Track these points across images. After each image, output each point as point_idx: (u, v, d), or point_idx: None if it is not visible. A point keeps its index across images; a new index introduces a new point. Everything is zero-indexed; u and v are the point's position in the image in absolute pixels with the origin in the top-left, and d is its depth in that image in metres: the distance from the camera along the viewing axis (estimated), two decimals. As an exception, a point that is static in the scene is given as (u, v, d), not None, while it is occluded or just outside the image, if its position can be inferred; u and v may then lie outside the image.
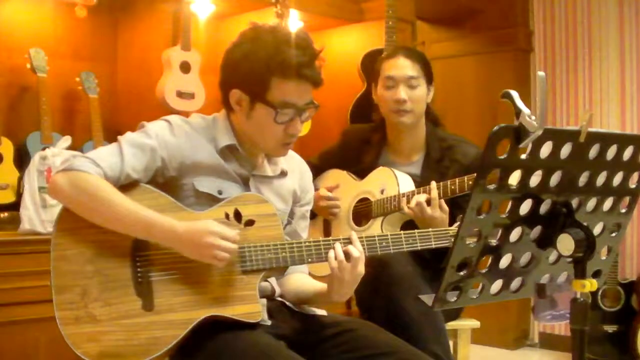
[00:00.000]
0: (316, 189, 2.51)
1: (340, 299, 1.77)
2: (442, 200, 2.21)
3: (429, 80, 2.46)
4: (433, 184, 2.24)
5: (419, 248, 1.80)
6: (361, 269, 1.70)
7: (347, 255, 1.68)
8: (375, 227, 2.40)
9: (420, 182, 2.39)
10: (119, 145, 1.69)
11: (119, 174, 1.65)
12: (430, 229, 1.82)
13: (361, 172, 2.52)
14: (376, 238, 1.76)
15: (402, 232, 1.80)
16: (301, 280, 1.92)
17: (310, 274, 1.99)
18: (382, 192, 2.41)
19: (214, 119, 1.83)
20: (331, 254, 1.70)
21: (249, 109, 1.74)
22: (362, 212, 2.49)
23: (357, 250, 1.70)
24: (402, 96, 2.39)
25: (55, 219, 1.66)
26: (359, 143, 2.57)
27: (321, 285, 1.86)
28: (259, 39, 1.72)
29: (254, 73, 1.70)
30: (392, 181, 2.38)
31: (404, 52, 2.48)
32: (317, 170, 2.62)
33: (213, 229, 1.60)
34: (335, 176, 2.60)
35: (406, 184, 2.38)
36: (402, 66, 2.42)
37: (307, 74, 1.70)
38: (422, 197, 2.23)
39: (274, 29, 1.76)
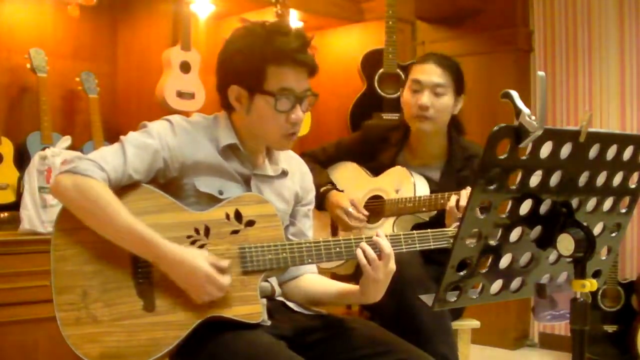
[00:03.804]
0: (330, 181, 2.50)
1: (373, 300, 1.75)
2: None
3: (459, 91, 2.42)
4: (469, 189, 2.19)
5: (418, 249, 1.80)
6: (393, 265, 1.70)
7: (378, 252, 1.68)
8: (386, 227, 2.39)
9: (437, 188, 2.37)
10: (122, 145, 1.68)
11: (122, 175, 1.64)
12: (429, 230, 1.81)
13: (376, 169, 2.50)
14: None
15: (401, 233, 1.79)
16: (313, 281, 1.91)
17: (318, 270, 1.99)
18: (397, 192, 2.39)
19: (215, 118, 1.82)
20: (360, 253, 1.69)
21: (248, 103, 1.74)
22: (374, 209, 2.47)
23: (388, 247, 1.70)
24: (425, 102, 2.36)
25: (55, 219, 1.65)
26: (378, 140, 2.54)
27: (344, 286, 1.86)
28: (249, 34, 1.74)
29: (249, 65, 1.70)
30: (408, 183, 2.36)
31: (437, 58, 2.42)
32: (331, 159, 2.61)
33: (208, 273, 1.59)
34: (349, 169, 2.58)
35: (422, 188, 2.36)
36: (431, 72, 2.39)
37: (301, 58, 1.71)
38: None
39: (263, 21, 1.77)
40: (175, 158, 1.71)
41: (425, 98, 2.36)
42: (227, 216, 1.70)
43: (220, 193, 1.73)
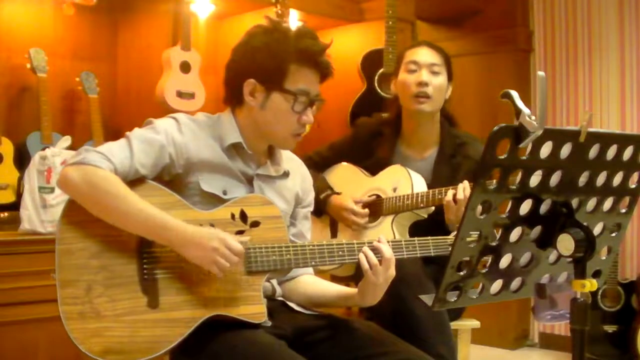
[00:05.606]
0: (329, 186, 2.50)
1: (371, 303, 1.77)
2: None
3: (450, 75, 2.48)
4: (466, 183, 2.21)
5: (418, 255, 1.81)
6: (393, 271, 1.72)
7: (380, 258, 1.70)
8: (385, 225, 2.39)
9: (433, 178, 2.39)
10: (128, 140, 1.68)
11: (128, 169, 1.64)
12: (429, 237, 1.82)
13: (373, 166, 2.50)
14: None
15: (402, 239, 1.81)
16: (312, 282, 1.91)
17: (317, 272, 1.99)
18: (394, 190, 2.39)
19: (218, 117, 1.83)
20: (362, 258, 1.70)
21: (263, 99, 1.75)
22: (372, 209, 2.48)
23: (389, 252, 1.71)
24: (425, 79, 2.40)
25: (61, 212, 1.64)
26: (370, 136, 2.56)
27: (342, 289, 1.87)
28: (273, 31, 1.76)
29: (272, 61, 1.72)
30: (405, 180, 2.37)
31: (428, 43, 2.51)
32: (326, 161, 2.61)
33: (221, 236, 1.60)
34: (346, 170, 2.58)
35: (420, 185, 2.37)
36: (426, 53, 2.46)
37: (323, 62, 1.76)
38: (468, 191, 2.19)
39: (280, 22, 1.80)
40: (181, 154, 1.71)
41: (425, 75, 2.41)
42: (233, 216, 1.71)
43: (225, 193, 1.74)
